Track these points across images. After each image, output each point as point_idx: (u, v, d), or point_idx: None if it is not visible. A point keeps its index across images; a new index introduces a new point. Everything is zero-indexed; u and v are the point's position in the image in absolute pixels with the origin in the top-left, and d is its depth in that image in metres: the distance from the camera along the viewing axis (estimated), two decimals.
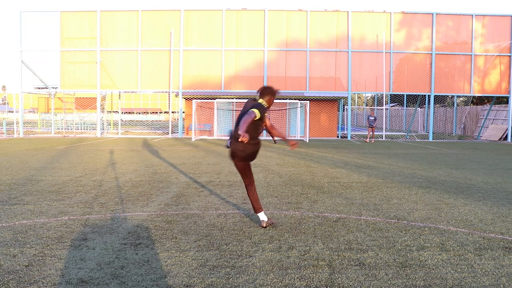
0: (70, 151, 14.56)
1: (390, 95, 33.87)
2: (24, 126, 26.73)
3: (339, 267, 3.72)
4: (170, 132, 25.67)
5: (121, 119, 32.68)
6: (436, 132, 30.84)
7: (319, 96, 24.46)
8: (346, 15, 23.54)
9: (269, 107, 4.95)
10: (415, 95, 28.83)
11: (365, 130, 36.57)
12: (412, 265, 3.80)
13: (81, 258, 3.85)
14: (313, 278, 3.46)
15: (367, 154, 14.79)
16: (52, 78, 25.07)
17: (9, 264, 3.68)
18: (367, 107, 56.35)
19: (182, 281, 3.36)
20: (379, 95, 42.20)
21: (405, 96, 37.45)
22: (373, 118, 22.62)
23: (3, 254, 3.94)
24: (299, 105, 23.67)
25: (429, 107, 29.50)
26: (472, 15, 23.62)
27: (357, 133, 30.44)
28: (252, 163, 5.12)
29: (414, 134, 29.61)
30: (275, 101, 22.92)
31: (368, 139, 22.72)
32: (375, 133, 22.69)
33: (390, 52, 23.71)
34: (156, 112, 75.17)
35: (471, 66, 23.80)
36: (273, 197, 6.78)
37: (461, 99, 40.38)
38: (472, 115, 30.81)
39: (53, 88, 25.76)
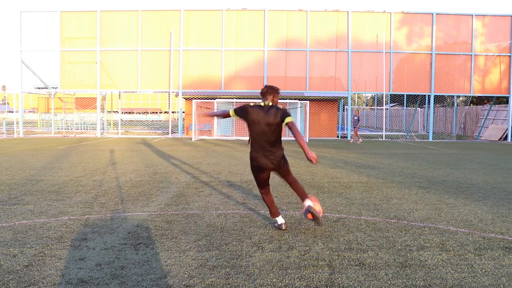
0: (70, 151, 14.56)
1: (390, 95, 33.87)
2: (24, 126, 26.72)
3: (339, 267, 3.72)
4: (170, 132, 25.67)
5: (121, 119, 32.66)
6: (436, 132, 30.85)
7: (319, 96, 24.46)
8: (346, 15, 23.54)
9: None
10: (415, 95, 28.84)
11: (365, 130, 36.56)
12: (412, 265, 3.79)
13: (81, 258, 3.85)
14: (313, 278, 3.46)
15: (367, 154, 14.79)
16: (52, 78, 25.08)
17: (9, 264, 3.67)
18: (367, 106, 56.33)
19: (182, 281, 3.36)
20: (379, 95, 42.19)
21: (405, 96, 37.45)
22: (357, 118, 21.81)
23: (3, 254, 3.94)
24: (299, 105, 23.67)
25: (429, 107, 29.50)
26: (472, 15, 23.62)
27: (357, 133, 30.39)
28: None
29: (414, 134, 29.60)
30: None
31: (352, 140, 22.27)
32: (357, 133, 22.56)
33: (390, 52, 23.71)
34: (156, 112, 75.13)
35: (471, 66, 23.80)
36: (273, 197, 6.77)
37: (460, 99, 40.38)
38: (472, 115, 30.80)
39: (53, 88, 25.76)
